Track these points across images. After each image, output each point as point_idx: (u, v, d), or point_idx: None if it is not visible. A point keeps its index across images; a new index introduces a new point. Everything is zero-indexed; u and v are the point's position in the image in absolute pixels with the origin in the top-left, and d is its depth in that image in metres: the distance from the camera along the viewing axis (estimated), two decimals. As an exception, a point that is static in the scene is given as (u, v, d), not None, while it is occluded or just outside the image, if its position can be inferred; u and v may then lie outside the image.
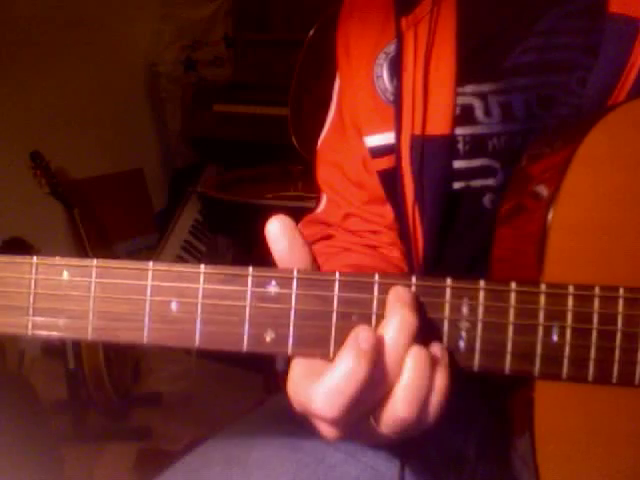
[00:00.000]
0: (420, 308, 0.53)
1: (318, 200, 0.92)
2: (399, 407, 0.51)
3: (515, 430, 0.61)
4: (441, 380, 0.52)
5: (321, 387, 0.50)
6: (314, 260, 0.54)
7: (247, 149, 2.83)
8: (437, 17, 0.77)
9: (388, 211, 0.86)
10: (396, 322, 0.51)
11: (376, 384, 0.51)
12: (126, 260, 0.54)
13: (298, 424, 0.79)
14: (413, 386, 0.51)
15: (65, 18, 2.64)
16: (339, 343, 0.53)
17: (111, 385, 2.18)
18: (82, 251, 2.29)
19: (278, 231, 0.53)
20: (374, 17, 0.83)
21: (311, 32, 2.26)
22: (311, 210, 0.93)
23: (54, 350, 2.38)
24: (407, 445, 0.82)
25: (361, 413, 0.52)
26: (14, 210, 2.44)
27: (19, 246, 2.37)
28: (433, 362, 0.52)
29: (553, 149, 0.61)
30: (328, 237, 0.90)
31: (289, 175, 2.40)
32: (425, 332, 0.53)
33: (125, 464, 2.04)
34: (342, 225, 0.89)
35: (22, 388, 1.60)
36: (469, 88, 0.76)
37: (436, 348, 0.53)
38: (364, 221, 0.88)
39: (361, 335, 0.50)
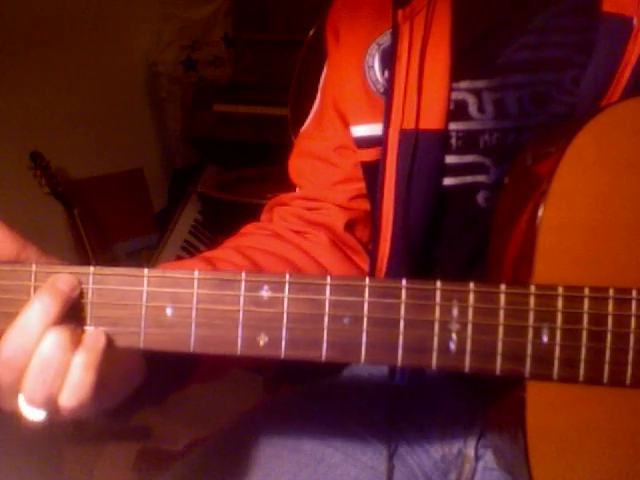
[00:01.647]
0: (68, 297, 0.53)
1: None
2: (28, 384, 0.52)
3: (509, 429, 0.62)
4: (77, 372, 0.52)
5: None
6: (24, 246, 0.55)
7: (247, 149, 2.82)
8: (433, 12, 0.77)
9: (354, 188, 0.86)
10: (32, 304, 0.52)
11: (10, 362, 0.52)
12: (123, 266, 0.54)
13: (298, 424, 0.80)
14: (41, 364, 0.51)
15: (65, 18, 2.63)
16: (331, 345, 0.53)
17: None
18: (82, 251, 2.29)
19: None
20: (368, 7, 0.83)
21: (311, 32, 2.25)
22: None
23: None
24: (404, 445, 0.82)
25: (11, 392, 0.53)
26: (14, 210, 2.44)
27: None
28: (72, 344, 0.52)
29: (554, 148, 0.61)
30: (270, 220, 0.90)
31: (289, 175, 2.39)
32: (415, 334, 0.54)
33: (125, 464, 2.03)
34: (288, 203, 0.89)
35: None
36: (464, 84, 0.76)
37: (89, 334, 0.53)
38: (308, 200, 0.88)
39: None
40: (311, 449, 0.78)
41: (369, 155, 0.82)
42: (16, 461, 1.32)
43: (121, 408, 0.60)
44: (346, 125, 0.84)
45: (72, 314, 0.54)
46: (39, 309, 0.52)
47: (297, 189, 0.91)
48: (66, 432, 2.13)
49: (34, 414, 0.53)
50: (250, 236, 0.86)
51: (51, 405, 0.52)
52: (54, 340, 0.51)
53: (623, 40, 0.69)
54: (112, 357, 0.54)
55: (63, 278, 0.53)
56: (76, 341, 0.52)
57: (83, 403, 0.52)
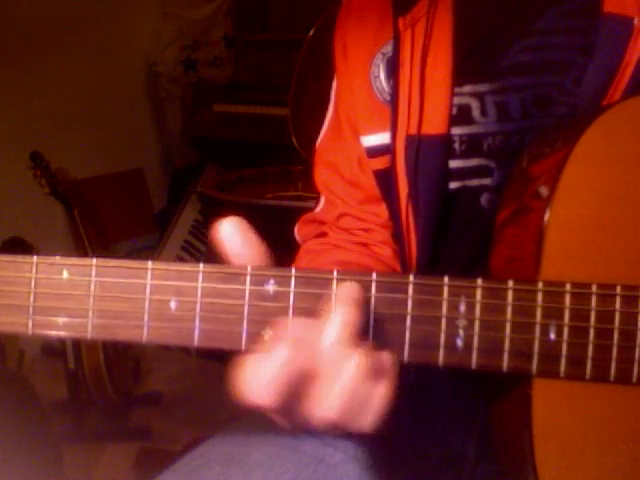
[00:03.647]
0: (367, 306, 0.53)
1: (317, 200, 0.93)
2: (330, 406, 0.51)
3: (514, 428, 0.61)
4: (381, 392, 0.51)
5: (257, 374, 0.50)
6: (270, 257, 0.55)
7: (247, 149, 2.83)
8: (434, 17, 0.77)
9: (383, 210, 0.86)
10: (339, 317, 0.51)
11: (314, 377, 0.51)
12: (126, 259, 0.54)
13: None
14: (348, 391, 0.51)
15: (65, 18, 2.64)
16: None
17: (111, 385, 2.18)
18: (82, 251, 2.29)
19: (231, 231, 0.53)
20: (371, 18, 0.83)
21: (311, 32, 2.26)
22: (310, 210, 0.94)
23: (54, 350, 2.37)
24: (404, 445, 0.82)
25: (303, 404, 0.52)
26: (14, 210, 2.44)
27: (19, 246, 2.37)
28: (376, 371, 0.51)
29: (552, 149, 0.61)
30: (322, 235, 0.90)
31: (289, 175, 2.40)
32: (422, 330, 0.53)
33: (125, 464, 2.03)
34: (336, 223, 0.89)
35: (22, 388, 1.60)
36: (467, 88, 0.76)
37: (385, 358, 0.52)
38: (357, 220, 0.88)
39: (298, 326, 0.51)
40: (311, 449, 0.78)
41: (379, 163, 0.82)
42: (16, 461, 1.31)
43: None
44: (358, 136, 0.84)
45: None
46: (342, 323, 0.51)
47: (323, 199, 0.92)
48: (66, 432, 2.13)
49: (325, 428, 0.52)
50: (330, 253, 0.86)
51: (342, 427, 0.52)
52: (357, 367, 0.51)
53: (624, 40, 0.69)
54: None
55: (352, 285, 0.53)
56: (377, 369, 0.52)
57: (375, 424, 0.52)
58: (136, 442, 2.13)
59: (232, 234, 0.53)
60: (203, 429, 2.00)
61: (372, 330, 0.53)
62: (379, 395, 0.51)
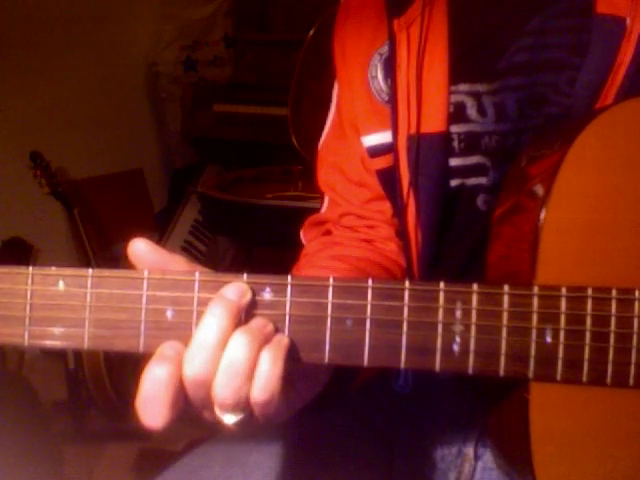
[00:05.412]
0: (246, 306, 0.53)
1: (321, 202, 0.93)
2: (218, 389, 0.51)
3: (512, 431, 0.61)
4: (266, 365, 0.51)
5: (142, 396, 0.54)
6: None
7: (247, 149, 2.82)
8: (429, 18, 0.77)
9: (388, 207, 0.86)
10: (206, 319, 0.52)
11: (197, 379, 0.52)
12: (123, 266, 0.54)
13: (299, 424, 0.80)
14: (229, 368, 0.51)
15: (65, 18, 2.63)
16: (334, 347, 0.53)
17: (111, 385, 2.18)
18: (82, 251, 2.29)
19: (147, 247, 0.54)
20: (368, 19, 0.84)
21: (311, 32, 2.26)
22: (314, 212, 0.94)
23: (54, 350, 2.38)
24: (404, 445, 0.82)
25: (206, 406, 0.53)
26: (14, 210, 2.44)
27: (19, 246, 2.37)
28: (257, 343, 0.52)
29: (551, 150, 0.61)
30: (326, 233, 0.90)
31: (289, 175, 2.40)
32: (419, 336, 0.53)
33: (125, 464, 2.03)
34: (338, 222, 0.89)
35: (22, 388, 1.60)
36: (462, 87, 0.76)
37: (278, 338, 0.53)
38: (360, 218, 0.88)
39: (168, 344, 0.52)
40: (312, 449, 0.78)
41: (381, 163, 0.83)
42: (16, 461, 1.31)
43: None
44: (359, 136, 0.85)
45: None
46: (213, 323, 0.51)
47: (327, 199, 0.92)
48: (66, 432, 2.13)
49: (231, 418, 0.53)
50: (328, 249, 0.86)
51: (244, 405, 0.52)
52: (238, 345, 0.51)
53: (617, 41, 0.69)
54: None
55: (231, 287, 0.53)
56: (260, 341, 0.52)
57: (274, 397, 0.52)
58: (136, 442, 2.13)
59: (149, 250, 0.54)
60: (203, 429, 1.99)
61: (368, 336, 0.53)
62: (264, 369, 0.51)
